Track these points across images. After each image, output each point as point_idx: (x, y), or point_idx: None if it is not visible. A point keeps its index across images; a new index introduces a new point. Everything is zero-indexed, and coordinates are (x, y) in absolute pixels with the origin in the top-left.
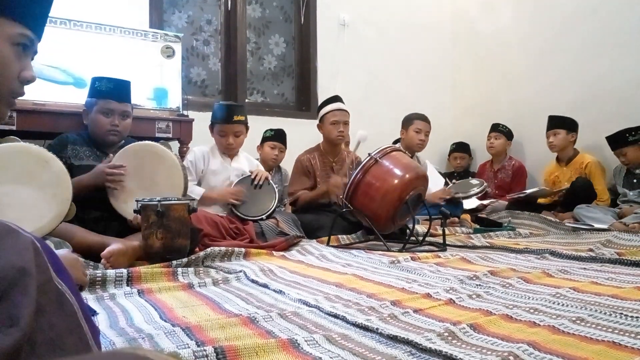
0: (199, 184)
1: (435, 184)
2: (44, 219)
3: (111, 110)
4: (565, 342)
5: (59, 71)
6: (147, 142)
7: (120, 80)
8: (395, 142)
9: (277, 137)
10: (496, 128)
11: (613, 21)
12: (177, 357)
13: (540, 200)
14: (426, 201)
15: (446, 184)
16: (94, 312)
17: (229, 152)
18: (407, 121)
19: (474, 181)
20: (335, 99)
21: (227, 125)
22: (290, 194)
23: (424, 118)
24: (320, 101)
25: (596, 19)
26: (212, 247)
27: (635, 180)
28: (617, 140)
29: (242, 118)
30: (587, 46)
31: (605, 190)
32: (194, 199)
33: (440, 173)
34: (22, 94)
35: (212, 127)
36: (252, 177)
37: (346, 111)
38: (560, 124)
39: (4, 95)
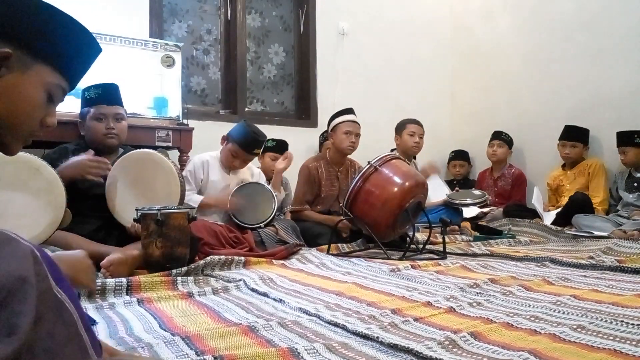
0: (199, 193)
1: (436, 194)
2: (40, 226)
3: (103, 114)
4: (566, 350)
5: None
6: (144, 149)
7: (107, 84)
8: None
9: (279, 148)
10: (499, 136)
11: (611, 29)
12: None
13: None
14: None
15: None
16: (94, 322)
17: (233, 170)
18: (400, 127)
19: (477, 192)
20: (349, 111)
21: (245, 153)
22: (296, 202)
23: (416, 121)
24: (320, 110)
25: (594, 26)
26: (211, 256)
27: (635, 184)
28: (625, 138)
29: (260, 151)
30: (586, 54)
31: (604, 190)
32: (193, 208)
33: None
34: (40, 136)
35: (225, 139)
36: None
37: (359, 124)
38: (579, 136)
39: (23, 134)
